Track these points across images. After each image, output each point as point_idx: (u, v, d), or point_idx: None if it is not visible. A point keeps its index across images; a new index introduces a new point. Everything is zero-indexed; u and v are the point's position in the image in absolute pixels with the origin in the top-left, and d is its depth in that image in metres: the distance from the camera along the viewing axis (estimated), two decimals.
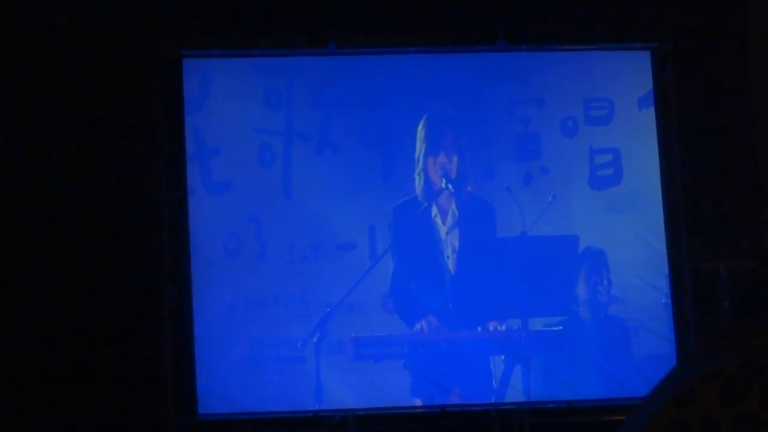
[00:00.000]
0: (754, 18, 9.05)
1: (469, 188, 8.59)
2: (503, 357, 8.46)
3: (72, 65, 8.60)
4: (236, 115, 8.59)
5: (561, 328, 8.47)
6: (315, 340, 8.35)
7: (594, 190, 8.73)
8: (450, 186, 8.51)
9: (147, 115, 8.48)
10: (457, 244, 8.53)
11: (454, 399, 8.47)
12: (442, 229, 8.55)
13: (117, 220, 8.51)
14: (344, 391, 8.39)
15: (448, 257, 8.51)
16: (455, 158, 8.56)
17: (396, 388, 8.42)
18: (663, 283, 8.61)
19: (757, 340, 2.11)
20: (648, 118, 8.80)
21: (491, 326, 8.45)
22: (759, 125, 8.98)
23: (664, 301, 8.60)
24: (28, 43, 8.63)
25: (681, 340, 8.52)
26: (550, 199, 8.58)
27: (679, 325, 8.55)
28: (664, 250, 8.65)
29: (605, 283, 8.57)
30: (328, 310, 8.39)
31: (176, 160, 8.48)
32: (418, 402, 8.46)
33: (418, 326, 8.43)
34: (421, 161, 8.56)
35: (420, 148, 8.58)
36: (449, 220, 8.55)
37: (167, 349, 8.28)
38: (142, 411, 8.34)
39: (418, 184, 8.56)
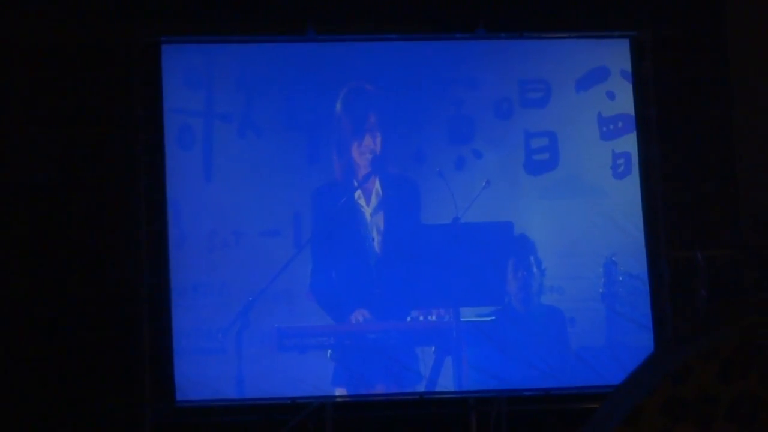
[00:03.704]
0: (733, 7, 8.92)
1: (393, 168, 8.29)
2: (434, 348, 8.19)
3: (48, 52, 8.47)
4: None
5: (494, 317, 8.21)
6: (236, 330, 8.05)
7: (529, 175, 8.47)
8: (373, 167, 8.24)
9: (125, 102, 8.31)
10: (382, 226, 8.23)
11: (380, 390, 8.19)
12: (367, 211, 8.27)
13: (94, 207, 8.38)
14: (267, 382, 8.09)
15: (373, 239, 8.22)
16: (379, 138, 8.29)
17: (321, 380, 8.13)
18: (600, 271, 8.35)
19: (754, 317, 1.93)
20: (585, 101, 8.57)
21: (421, 316, 8.17)
22: (737, 114, 8.86)
23: (601, 290, 8.35)
24: (4, 28, 8.47)
25: (658, 328, 8.35)
26: (483, 184, 8.30)
27: (656, 314, 8.39)
28: (609, 235, 8.39)
29: (540, 270, 8.30)
30: (250, 299, 8.08)
31: (155, 146, 8.24)
32: (343, 392, 8.19)
33: (348, 320, 8.14)
34: (343, 142, 8.26)
35: (343, 128, 8.27)
36: (373, 200, 8.27)
37: (144, 336, 8.11)
38: (119, 398, 8.24)
39: (341, 166, 8.25)
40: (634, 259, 8.39)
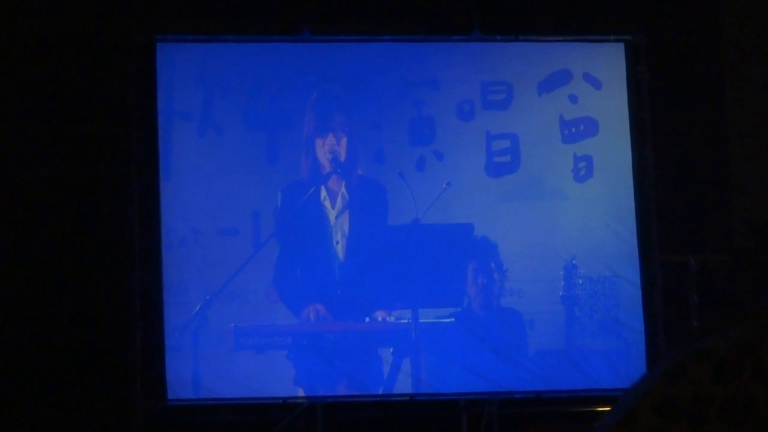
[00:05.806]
0: (728, 11, 8.94)
1: (359, 171, 8.24)
2: (392, 349, 8.16)
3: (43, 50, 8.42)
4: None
5: (453, 319, 8.17)
6: (193, 328, 7.99)
7: (490, 177, 8.43)
8: (338, 169, 8.17)
9: (119, 100, 8.24)
10: (347, 229, 8.19)
11: (340, 391, 8.15)
12: (332, 213, 8.22)
13: (87, 204, 8.33)
14: (223, 381, 8.03)
15: (337, 242, 8.18)
16: (344, 140, 8.25)
17: (279, 379, 8.07)
18: (560, 274, 8.32)
19: (749, 322, 2.06)
20: (547, 104, 8.54)
21: (380, 317, 8.13)
22: (731, 118, 8.86)
23: (561, 293, 8.33)
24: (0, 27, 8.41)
25: (649, 332, 8.33)
26: (444, 185, 8.26)
27: (649, 318, 8.37)
28: (571, 238, 8.37)
29: (501, 272, 8.28)
30: (208, 297, 8.01)
31: (148, 144, 8.17)
32: (301, 392, 8.13)
33: (304, 314, 8.09)
34: (308, 143, 8.21)
35: (307, 128, 8.22)
36: (339, 203, 8.22)
37: (136, 334, 8.05)
38: (111, 396, 8.18)
39: (306, 166, 8.19)
40: (628, 264, 8.37)
